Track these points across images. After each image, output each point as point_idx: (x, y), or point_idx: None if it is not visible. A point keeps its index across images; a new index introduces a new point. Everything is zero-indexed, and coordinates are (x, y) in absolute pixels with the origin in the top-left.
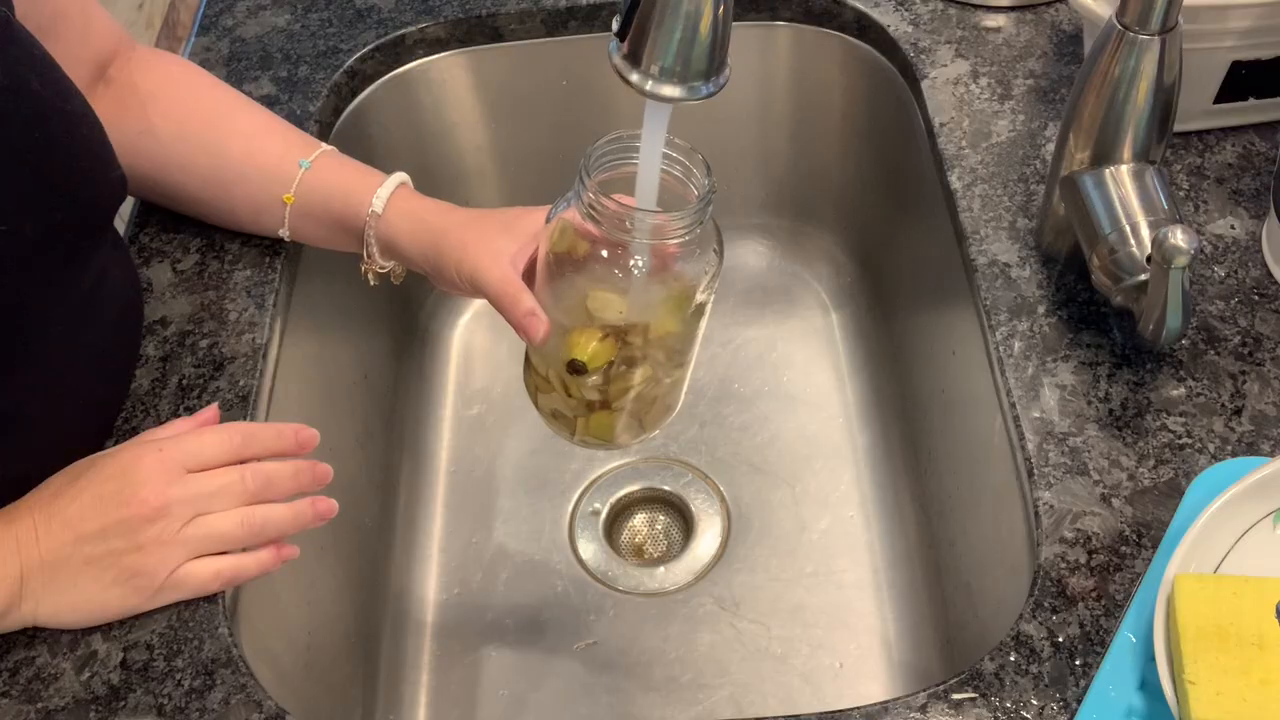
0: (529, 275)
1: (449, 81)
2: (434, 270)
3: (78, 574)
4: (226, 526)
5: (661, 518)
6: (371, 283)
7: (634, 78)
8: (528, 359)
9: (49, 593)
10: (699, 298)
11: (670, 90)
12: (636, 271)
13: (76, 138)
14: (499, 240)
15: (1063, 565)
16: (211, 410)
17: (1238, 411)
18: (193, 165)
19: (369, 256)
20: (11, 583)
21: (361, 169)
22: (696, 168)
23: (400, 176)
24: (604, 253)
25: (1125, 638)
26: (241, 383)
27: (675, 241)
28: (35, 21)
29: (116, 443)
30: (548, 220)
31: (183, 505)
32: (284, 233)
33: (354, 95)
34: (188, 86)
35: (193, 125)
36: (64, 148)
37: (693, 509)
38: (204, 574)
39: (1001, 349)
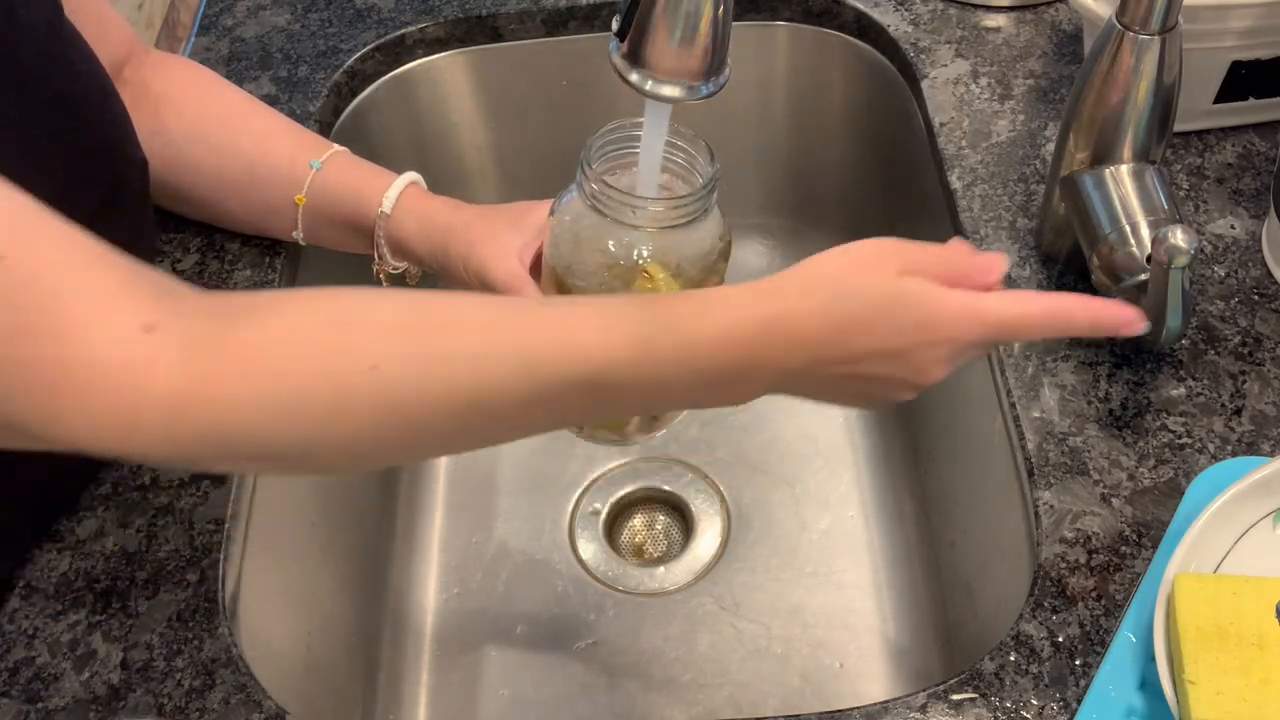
0: (536, 268)
1: (449, 81)
2: (442, 269)
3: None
4: None
5: (661, 518)
6: (384, 285)
7: (634, 78)
8: None
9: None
10: (709, 280)
11: (670, 90)
12: (641, 260)
13: (108, 112)
14: (505, 235)
15: (1063, 565)
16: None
17: (1238, 411)
18: (204, 166)
19: (380, 258)
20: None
21: (372, 169)
22: (700, 155)
23: (410, 176)
24: (610, 242)
25: (1125, 638)
26: None
27: (679, 226)
28: None
29: None
30: (551, 213)
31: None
32: (298, 235)
33: (354, 95)
34: (200, 88)
35: (204, 126)
36: (99, 121)
37: (693, 509)
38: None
39: (1001, 349)
